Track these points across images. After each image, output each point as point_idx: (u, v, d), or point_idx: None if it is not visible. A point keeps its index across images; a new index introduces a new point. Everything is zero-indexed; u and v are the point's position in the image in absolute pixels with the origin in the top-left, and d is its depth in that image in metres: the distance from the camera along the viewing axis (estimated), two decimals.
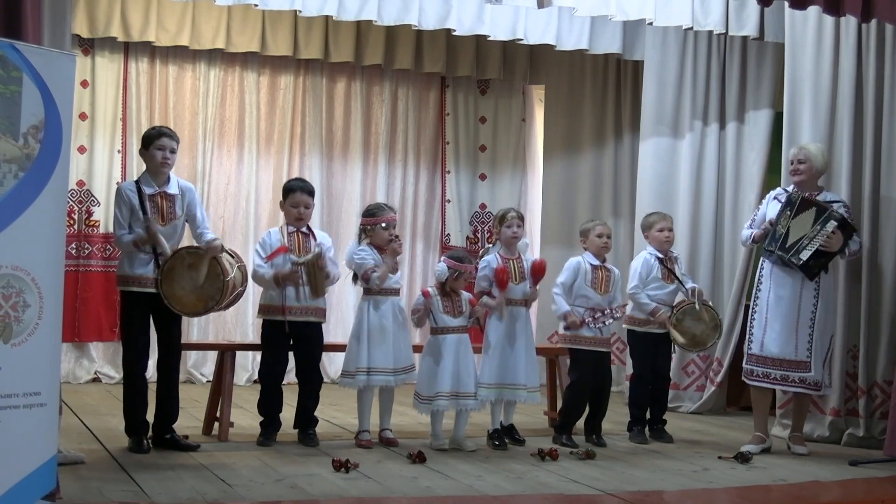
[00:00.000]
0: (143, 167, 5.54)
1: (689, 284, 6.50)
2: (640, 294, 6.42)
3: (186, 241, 5.63)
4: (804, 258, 5.87)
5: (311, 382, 5.90)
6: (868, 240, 6.41)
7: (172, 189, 5.43)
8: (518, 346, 5.99)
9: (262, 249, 5.82)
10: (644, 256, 6.57)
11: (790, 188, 6.17)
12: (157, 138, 5.41)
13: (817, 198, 6.06)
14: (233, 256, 5.60)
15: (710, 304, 6.60)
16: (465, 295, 5.95)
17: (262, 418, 5.85)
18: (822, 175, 6.18)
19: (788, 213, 5.98)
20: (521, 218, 6.19)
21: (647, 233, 6.64)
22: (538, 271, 6.06)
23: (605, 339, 6.23)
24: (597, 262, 6.25)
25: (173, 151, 5.44)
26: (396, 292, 5.96)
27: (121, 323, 5.48)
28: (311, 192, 5.93)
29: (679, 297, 6.44)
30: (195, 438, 5.73)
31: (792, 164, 6.17)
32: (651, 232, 6.59)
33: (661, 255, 6.53)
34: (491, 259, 6.08)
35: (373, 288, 5.83)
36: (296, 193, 5.86)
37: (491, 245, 6.33)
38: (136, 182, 5.42)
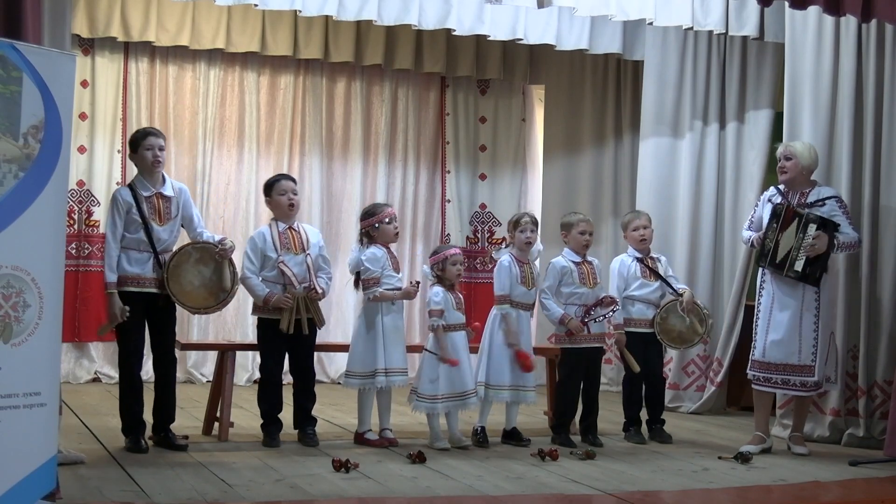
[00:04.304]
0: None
1: (679, 286, 6.52)
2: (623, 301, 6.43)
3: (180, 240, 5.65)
4: (799, 269, 5.90)
5: (307, 380, 5.90)
6: (868, 239, 6.40)
7: (168, 190, 5.45)
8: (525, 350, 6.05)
9: (252, 255, 5.77)
10: (620, 260, 6.59)
11: (782, 187, 6.16)
12: (143, 139, 5.42)
13: (809, 193, 6.06)
14: None
15: (701, 305, 6.55)
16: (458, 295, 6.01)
17: (262, 419, 5.84)
18: (812, 171, 6.15)
19: (775, 226, 5.98)
20: (536, 223, 6.22)
21: (625, 233, 6.66)
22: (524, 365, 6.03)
23: (596, 335, 6.19)
24: (578, 259, 6.23)
25: (162, 149, 5.44)
26: None
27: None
28: (293, 181, 5.96)
29: (668, 298, 6.46)
30: (195, 438, 5.74)
31: (779, 161, 6.16)
32: (627, 232, 6.59)
33: (639, 256, 6.52)
34: (504, 260, 6.07)
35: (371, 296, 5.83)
36: (280, 182, 5.87)
37: (503, 248, 6.34)
38: (130, 186, 5.42)
